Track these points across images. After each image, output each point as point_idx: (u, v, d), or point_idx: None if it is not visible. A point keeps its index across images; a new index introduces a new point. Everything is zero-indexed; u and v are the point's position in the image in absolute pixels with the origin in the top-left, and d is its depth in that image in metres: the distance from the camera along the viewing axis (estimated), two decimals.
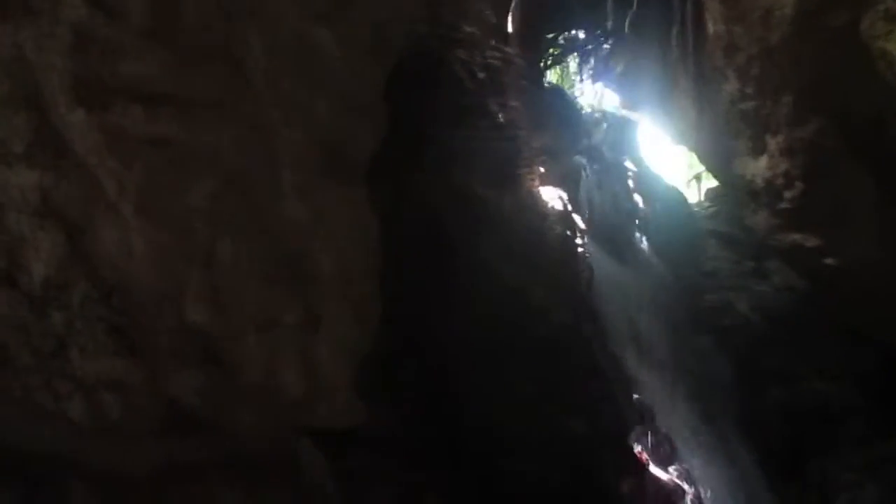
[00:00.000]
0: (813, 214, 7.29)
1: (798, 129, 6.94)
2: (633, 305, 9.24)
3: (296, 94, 3.60)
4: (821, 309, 8.55)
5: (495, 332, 6.76)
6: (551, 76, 12.25)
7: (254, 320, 3.42)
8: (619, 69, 10.51)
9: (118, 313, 3.14)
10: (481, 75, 7.79)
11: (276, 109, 3.52)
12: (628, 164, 11.19)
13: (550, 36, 10.93)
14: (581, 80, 11.53)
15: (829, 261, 7.37)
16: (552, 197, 8.40)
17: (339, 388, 3.79)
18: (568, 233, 8.18)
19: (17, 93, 3.05)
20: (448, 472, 5.58)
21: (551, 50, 11.27)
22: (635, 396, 8.29)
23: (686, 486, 8.01)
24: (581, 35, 11.17)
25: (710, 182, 11.65)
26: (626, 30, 9.14)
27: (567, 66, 12.51)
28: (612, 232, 9.78)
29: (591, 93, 12.21)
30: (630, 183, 10.82)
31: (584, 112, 11.27)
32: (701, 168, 11.82)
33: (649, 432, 8.23)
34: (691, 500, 7.95)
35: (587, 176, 9.64)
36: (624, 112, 11.42)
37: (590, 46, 10.88)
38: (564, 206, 8.45)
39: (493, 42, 8.15)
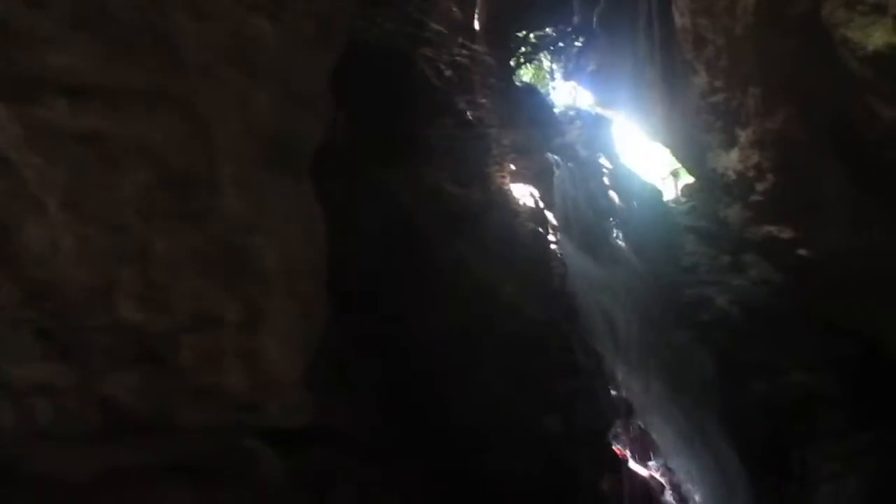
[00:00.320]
0: (785, 206, 7.26)
1: (767, 121, 6.90)
2: (611, 302, 9.21)
3: (233, 84, 3.50)
4: (798, 301, 8.52)
5: (466, 329, 6.70)
6: (525, 75, 12.21)
7: (192, 318, 3.31)
8: (591, 67, 10.47)
9: (46, 315, 3.02)
10: (448, 73, 7.75)
11: (212, 100, 3.42)
12: (603, 161, 11.17)
13: (521, 34, 10.89)
14: (553, 79, 11.49)
15: (802, 252, 7.32)
16: (524, 194, 8.37)
17: (288, 385, 3.68)
18: (540, 229, 8.14)
19: None
20: (411, 470, 5.50)
21: (522, 48, 11.24)
22: (614, 392, 8.25)
23: (666, 481, 7.96)
24: (551, 32, 11.12)
25: (688, 178, 11.63)
26: (594, 26, 9.10)
27: (541, 65, 12.47)
28: (588, 229, 9.75)
29: (566, 91, 12.20)
30: (605, 180, 10.81)
31: (557, 110, 11.25)
32: (678, 164, 11.80)
33: (629, 428, 8.19)
34: (671, 495, 7.91)
35: (561, 174, 9.60)
36: (598, 110, 11.40)
37: (561, 44, 10.85)
38: (536, 203, 8.42)
39: (460, 39, 8.10)
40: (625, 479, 7.53)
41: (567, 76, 11.31)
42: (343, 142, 6.20)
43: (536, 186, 8.58)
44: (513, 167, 8.42)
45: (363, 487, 5.03)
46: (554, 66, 11.39)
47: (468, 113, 7.72)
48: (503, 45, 9.54)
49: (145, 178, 3.20)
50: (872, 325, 7.42)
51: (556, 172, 9.43)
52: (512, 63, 10.71)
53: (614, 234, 10.34)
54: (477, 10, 9.32)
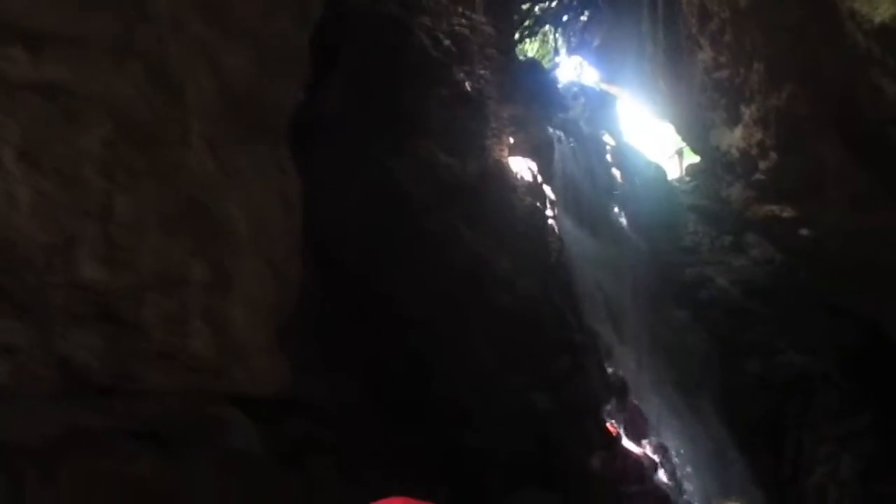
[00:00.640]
0: (787, 185, 7.12)
1: (771, 97, 6.74)
2: (610, 280, 9.11)
3: (204, 40, 3.38)
4: (799, 282, 8.41)
5: (457, 301, 6.61)
6: (531, 49, 12.01)
7: (156, 277, 3.20)
8: (596, 42, 10.28)
9: (2, 271, 2.92)
10: (446, 42, 7.59)
11: (183, 55, 3.30)
12: (607, 138, 11.01)
13: (525, 6, 10.68)
14: (557, 53, 11.28)
15: (804, 232, 7.20)
16: (522, 168, 8.22)
17: (255, 351, 3.58)
18: (538, 204, 8.01)
19: None
20: (394, 444, 5.42)
21: (526, 21, 11.03)
22: (610, 370, 8.15)
23: (659, 459, 7.88)
24: (554, 4, 10.91)
25: (694, 158, 11.47)
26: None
27: (546, 39, 12.26)
28: (588, 206, 9.62)
29: (571, 67, 12.01)
30: (608, 157, 10.65)
31: (560, 85, 11.07)
32: (683, 143, 11.64)
33: (623, 406, 8.10)
34: (665, 473, 7.83)
35: (562, 149, 9.45)
36: (603, 86, 11.22)
37: (565, 17, 10.64)
38: (535, 177, 8.27)
39: (460, 9, 7.94)
40: (617, 457, 7.45)
41: (572, 51, 11.13)
42: (335, 110, 6.09)
43: (536, 161, 8.42)
44: (511, 140, 8.27)
45: (344, 460, 4.95)
46: (559, 40, 11.19)
47: (466, 84, 7.58)
48: (506, 16, 9.35)
49: (109, 133, 3.09)
50: (872, 307, 7.30)
51: (558, 148, 9.27)
52: (516, 36, 10.52)
53: (615, 212, 10.21)
54: None
